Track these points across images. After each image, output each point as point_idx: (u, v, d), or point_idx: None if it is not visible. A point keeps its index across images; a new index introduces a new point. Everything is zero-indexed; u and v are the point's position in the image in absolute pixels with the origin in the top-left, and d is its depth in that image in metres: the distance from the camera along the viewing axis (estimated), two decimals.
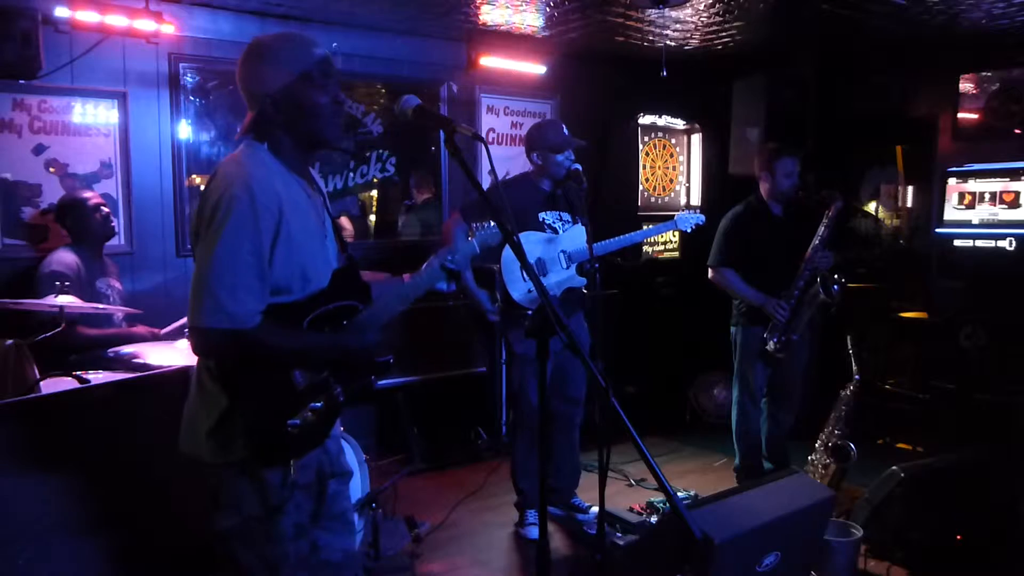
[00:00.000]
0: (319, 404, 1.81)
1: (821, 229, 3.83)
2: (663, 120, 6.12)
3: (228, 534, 1.79)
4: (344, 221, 4.80)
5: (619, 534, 3.56)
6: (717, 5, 4.18)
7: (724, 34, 4.82)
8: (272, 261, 1.71)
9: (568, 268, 3.53)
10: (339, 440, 2.03)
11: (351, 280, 1.95)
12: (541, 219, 3.51)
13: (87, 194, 3.63)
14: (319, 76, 1.79)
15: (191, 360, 2.91)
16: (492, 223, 2.13)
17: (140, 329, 3.57)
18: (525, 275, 3.24)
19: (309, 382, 1.80)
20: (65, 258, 3.47)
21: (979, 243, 4.73)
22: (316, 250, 1.84)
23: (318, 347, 1.83)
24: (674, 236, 6.14)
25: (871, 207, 5.86)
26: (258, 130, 1.80)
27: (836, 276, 3.82)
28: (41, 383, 2.67)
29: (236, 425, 1.72)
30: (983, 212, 4.74)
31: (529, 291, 3.39)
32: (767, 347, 3.87)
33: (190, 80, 4.15)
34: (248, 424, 1.71)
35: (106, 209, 3.62)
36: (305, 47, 1.80)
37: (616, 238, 3.62)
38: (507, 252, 3.38)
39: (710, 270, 4.02)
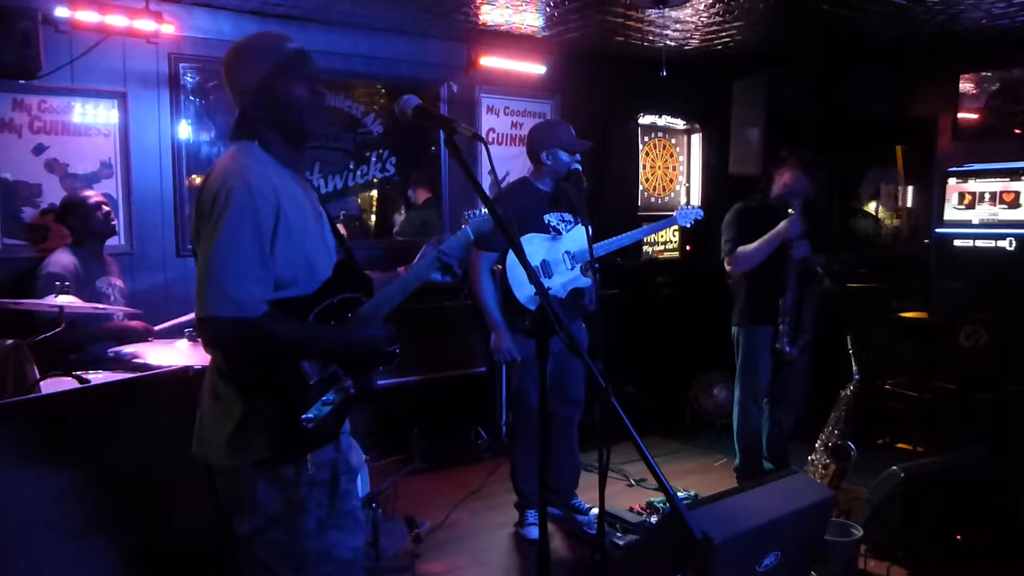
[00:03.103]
0: (332, 397, 1.83)
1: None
2: (663, 120, 6.12)
3: (250, 537, 1.80)
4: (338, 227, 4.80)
5: (619, 534, 3.56)
6: (717, 5, 4.18)
7: (724, 34, 4.82)
8: (274, 252, 1.73)
9: (573, 269, 3.52)
10: (348, 436, 2.04)
11: (352, 272, 1.96)
12: (546, 221, 3.50)
13: (87, 192, 3.64)
14: (294, 69, 1.81)
15: (191, 360, 2.93)
16: (483, 210, 2.13)
17: (136, 324, 3.57)
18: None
19: (320, 376, 1.82)
20: (63, 259, 3.47)
21: (979, 243, 4.73)
22: (317, 240, 1.86)
23: (324, 338, 1.84)
24: (674, 236, 6.13)
25: (871, 207, 5.86)
26: (246, 129, 1.83)
27: (820, 270, 3.84)
28: (41, 383, 2.67)
29: (254, 425, 1.73)
30: (983, 212, 4.73)
31: (535, 294, 3.37)
32: (785, 357, 3.87)
33: (190, 80, 4.15)
34: (265, 421, 1.73)
35: (107, 207, 3.63)
36: (278, 41, 1.83)
37: (616, 237, 3.62)
38: (511, 255, 3.37)
39: (725, 263, 3.94)
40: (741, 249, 3.86)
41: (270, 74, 1.79)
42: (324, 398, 1.81)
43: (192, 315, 1.86)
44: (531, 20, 4.52)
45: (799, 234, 3.74)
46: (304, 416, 1.76)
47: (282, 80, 1.80)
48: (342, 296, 1.89)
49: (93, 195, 3.62)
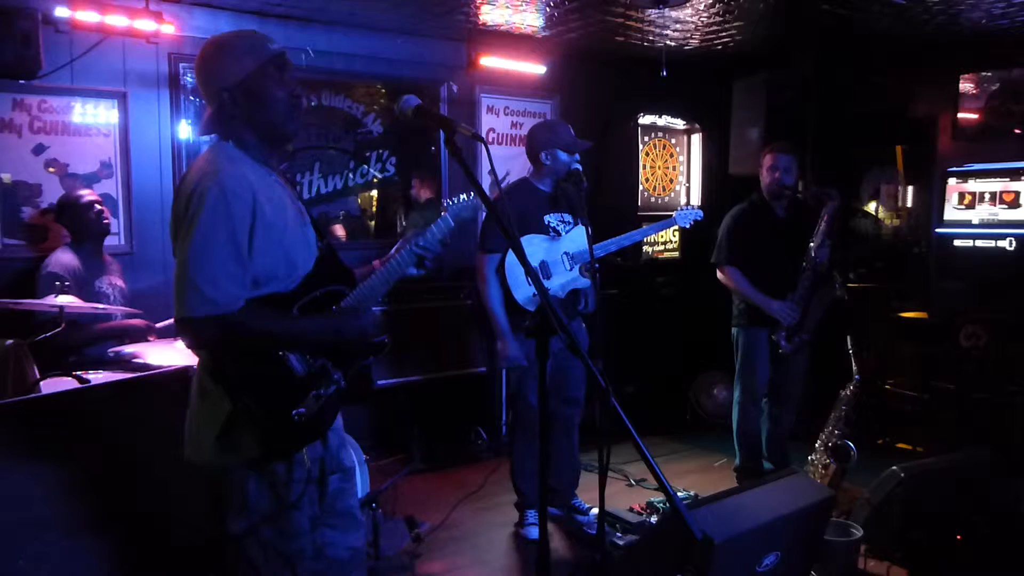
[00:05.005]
0: (322, 391, 1.83)
1: (821, 226, 3.84)
2: (663, 120, 6.12)
3: (243, 535, 1.80)
4: (337, 228, 4.81)
5: (619, 534, 3.56)
6: (717, 5, 4.18)
7: (724, 34, 4.82)
8: (253, 248, 1.74)
9: (571, 270, 3.51)
10: (340, 434, 2.04)
11: (334, 265, 1.97)
12: (546, 222, 3.49)
13: (82, 192, 3.64)
14: (275, 70, 1.83)
15: (191, 360, 2.93)
16: (471, 195, 2.12)
17: (136, 321, 3.57)
18: (529, 279, 3.22)
19: (308, 369, 1.82)
20: (63, 259, 3.47)
21: (979, 243, 4.73)
22: (297, 235, 1.86)
23: (309, 329, 1.84)
24: (674, 236, 6.14)
25: (871, 207, 5.86)
26: (221, 127, 1.84)
27: (837, 276, 3.84)
28: (41, 383, 2.68)
29: (243, 423, 1.73)
30: (983, 212, 4.74)
31: (534, 295, 3.37)
32: (780, 350, 3.87)
33: (190, 80, 4.15)
34: (254, 419, 1.73)
35: (100, 206, 3.62)
36: (260, 42, 1.85)
37: (615, 238, 3.61)
38: (510, 255, 3.37)
39: (718, 270, 4.01)
40: (735, 274, 3.94)
41: (252, 72, 1.80)
42: (314, 392, 1.81)
43: None
44: (531, 20, 4.52)
45: (784, 323, 3.85)
46: (295, 411, 1.76)
47: (263, 79, 1.81)
48: (325, 289, 1.89)
49: (87, 194, 3.62)
